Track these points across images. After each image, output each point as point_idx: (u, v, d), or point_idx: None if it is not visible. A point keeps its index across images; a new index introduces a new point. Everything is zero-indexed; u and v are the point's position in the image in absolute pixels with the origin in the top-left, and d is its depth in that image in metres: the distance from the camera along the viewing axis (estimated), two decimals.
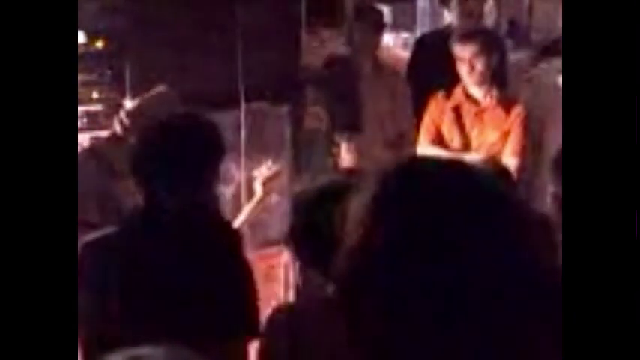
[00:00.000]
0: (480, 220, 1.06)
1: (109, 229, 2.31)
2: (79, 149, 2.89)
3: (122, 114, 2.94)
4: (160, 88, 3.00)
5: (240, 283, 2.26)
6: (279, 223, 3.76)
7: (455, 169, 1.13)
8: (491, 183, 1.12)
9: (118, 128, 2.92)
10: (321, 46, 4.18)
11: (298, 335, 1.84)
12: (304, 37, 4.09)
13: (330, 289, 1.63)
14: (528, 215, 1.13)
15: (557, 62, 3.98)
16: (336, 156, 4.05)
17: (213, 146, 2.35)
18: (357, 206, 1.10)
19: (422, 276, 1.03)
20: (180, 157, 2.26)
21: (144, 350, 1.10)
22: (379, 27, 4.54)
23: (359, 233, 1.07)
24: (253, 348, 2.25)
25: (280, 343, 1.87)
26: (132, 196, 3.03)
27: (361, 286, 1.06)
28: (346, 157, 4.02)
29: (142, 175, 2.30)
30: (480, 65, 3.95)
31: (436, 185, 1.08)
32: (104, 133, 3.18)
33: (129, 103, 3.23)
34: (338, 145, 4.06)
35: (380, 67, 4.50)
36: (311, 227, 1.91)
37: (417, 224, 1.05)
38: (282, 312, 2.00)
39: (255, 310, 2.27)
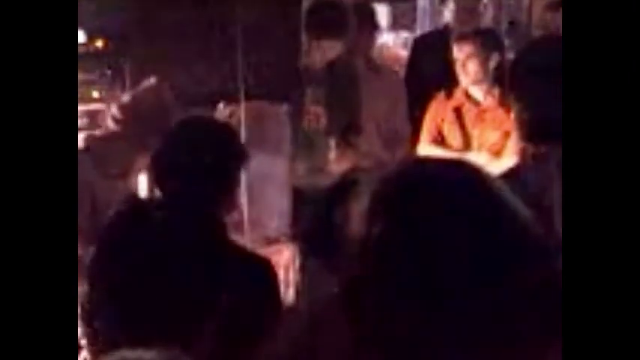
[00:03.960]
0: (481, 220, 1.06)
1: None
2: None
3: (113, 108, 2.93)
4: (152, 80, 2.98)
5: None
6: (278, 221, 3.76)
7: (457, 169, 1.13)
8: (494, 183, 1.12)
9: (110, 123, 2.91)
10: (320, 46, 4.16)
11: (304, 337, 1.81)
12: (304, 36, 4.09)
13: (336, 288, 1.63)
14: (532, 215, 1.12)
15: None
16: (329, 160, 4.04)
17: (235, 151, 2.34)
18: (359, 207, 1.10)
19: (421, 277, 1.03)
20: (200, 160, 2.25)
21: (136, 353, 1.09)
22: (373, 26, 4.54)
23: (359, 234, 1.07)
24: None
25: (288, 345, 1.84)
26: (124, 197, 3.02)
27: (362, 287, 1.07)
28: (337, 162, 4.00)
29: (161, 175, 2.30)
30: (472, 66, 3.96)
31: (437, 186, 1.08)
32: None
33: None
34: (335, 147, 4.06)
35: (376, 66, 4.51)
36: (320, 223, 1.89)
37: (417, 226, 1.05)
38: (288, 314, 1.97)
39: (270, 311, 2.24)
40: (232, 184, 2.33)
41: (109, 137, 2.91)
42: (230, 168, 2.32)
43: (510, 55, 4.98)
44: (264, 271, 2.24)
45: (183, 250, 2.18)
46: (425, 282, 1.03)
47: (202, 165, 2.24)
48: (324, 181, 4.03)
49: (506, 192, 1.11)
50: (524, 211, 1.10)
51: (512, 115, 4.01)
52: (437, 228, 1.05)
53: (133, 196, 2.93)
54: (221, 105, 3.47)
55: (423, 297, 1.03)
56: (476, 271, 1.03)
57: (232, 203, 2.38)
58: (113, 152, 2.88)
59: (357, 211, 1.10)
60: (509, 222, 1.08)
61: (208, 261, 2.18)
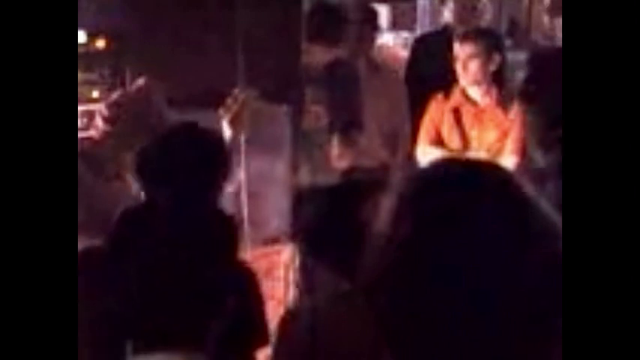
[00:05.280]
0: (511, 221, 1.05)
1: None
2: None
3: (102, 107, 2.93)
4: (141, 81, 2.99)
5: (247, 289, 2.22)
6: (278, 221, 3.77)
7: (486, 171, 1.12)
8: (523, 185, 1.11)
9: (99, 121, 2.91)
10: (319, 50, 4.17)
11: (317, 337, 1.79)
12: (304, 37, 4.10)
13: (345, 286, 1.61)
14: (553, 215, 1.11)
15: None
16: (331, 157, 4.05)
17: (218, 160, 2.34)
18: (384, 207, 1.09)
19: (445, 278, 1.02)
20: (184, 166, 2.25)
21: (159, 357, 1.09)
22: (373, 27, 4.56)
23: (384, 235, 1.07)
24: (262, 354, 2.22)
25: (299, 347, 1.82)
26: (123, 197, 3.03)
27: (384, 286, 1.06)
28: (339, 159, 4.01)
29: (144, 179, 2.30)
30: (473, 66, 3.96)
31: (466, 188, 1.08)
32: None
33: None
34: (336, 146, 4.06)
35: (376, 66, 4.52)
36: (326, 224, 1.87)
37: (445, 227, 1.04)
38: (297, 314, 1.93)
39: (263, 319, 2.24)
40: (215, 192, 2.33)
41: (101, 139, 2.91)
42: (214, 178, 2.32)
43: (510, 55, 4.98)
44: (247, 281, 2.23)
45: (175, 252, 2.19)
46: (452, 284, 1.02)
47: (187, 174, 2.24)
48: (325, 181, 4.05)
49: (535, 194, 1.10)
50: (553, 215, 1.09)
51: (511, 115, 4.00)
52: (466, 230, 1.04)
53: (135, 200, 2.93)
54: (221, 110, 3.46)
55: (452, 299, 1.02)
56: (505, 274, 1.03)
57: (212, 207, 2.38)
58: (106, 152, 2.89)
59: (382, 212, 1.10)
60: (539, 224, 1.07)
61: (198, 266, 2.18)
